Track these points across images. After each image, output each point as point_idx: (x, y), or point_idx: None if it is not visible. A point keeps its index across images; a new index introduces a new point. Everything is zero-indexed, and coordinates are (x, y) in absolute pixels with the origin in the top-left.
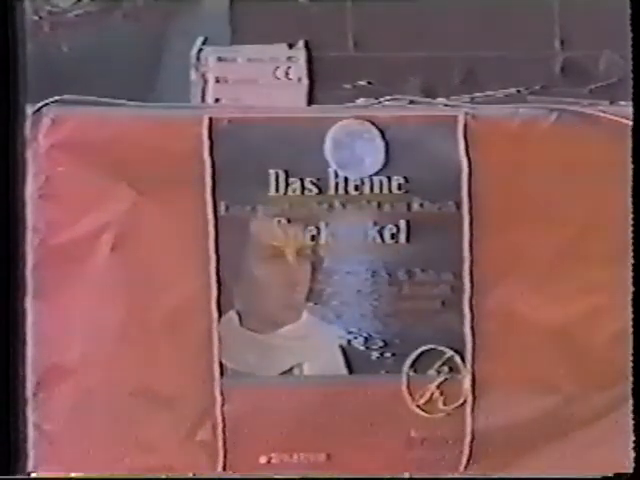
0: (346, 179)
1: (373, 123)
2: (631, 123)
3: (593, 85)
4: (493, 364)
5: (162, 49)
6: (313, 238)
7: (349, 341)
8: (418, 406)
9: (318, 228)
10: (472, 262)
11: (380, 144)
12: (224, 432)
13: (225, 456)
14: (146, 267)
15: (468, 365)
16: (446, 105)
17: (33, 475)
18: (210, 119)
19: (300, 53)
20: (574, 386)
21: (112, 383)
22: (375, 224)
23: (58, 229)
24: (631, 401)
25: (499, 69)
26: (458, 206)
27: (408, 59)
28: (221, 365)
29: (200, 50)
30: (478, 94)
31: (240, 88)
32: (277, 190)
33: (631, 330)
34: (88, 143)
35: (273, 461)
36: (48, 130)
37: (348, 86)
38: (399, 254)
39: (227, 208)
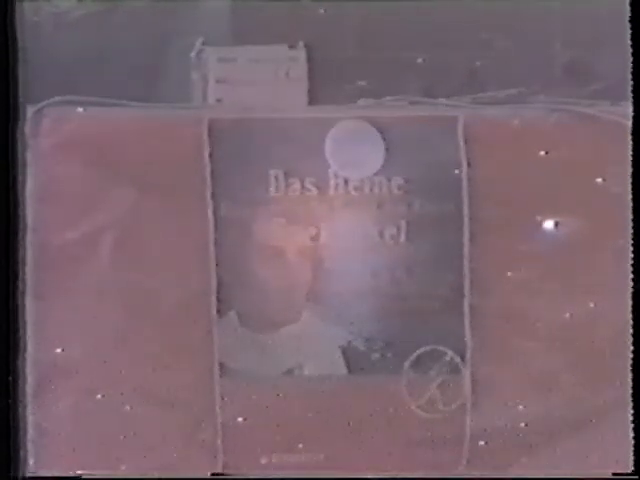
0: (346, 179)
1: (373, 123)
2: (631, 123)
3: (593, 85)
4: (493, 364)
5: (162, 49)
6: (313, 238)
7: (349, 341)
8: (418, 406)
9: (318, 228)
10: (472, 262)
11: (380, 144)
12: (224, 432)
13: (225, 456)
14: (146, 267)
15: (468, 365)
16: (446, 105)
17: (33, 475)
18: (210, 119)
19: (300, 53)
20: (574, 386)
21: (112, 383)
22: (375, 224)
23: (58, 229)
24: (631, 401)
25: (499, 69)
26: (458, 206)
27: (408, 59)
28: (221, 365)
29: (201, 50)
30: (478, 94)
31: (241, 89)
32: (277, 190)
33: (631, 330)
34: (88, 143)
35: (273, 461)
36: (48, 130)
37: (348, 86)
38: (399, 254)
39: (227, 208)
